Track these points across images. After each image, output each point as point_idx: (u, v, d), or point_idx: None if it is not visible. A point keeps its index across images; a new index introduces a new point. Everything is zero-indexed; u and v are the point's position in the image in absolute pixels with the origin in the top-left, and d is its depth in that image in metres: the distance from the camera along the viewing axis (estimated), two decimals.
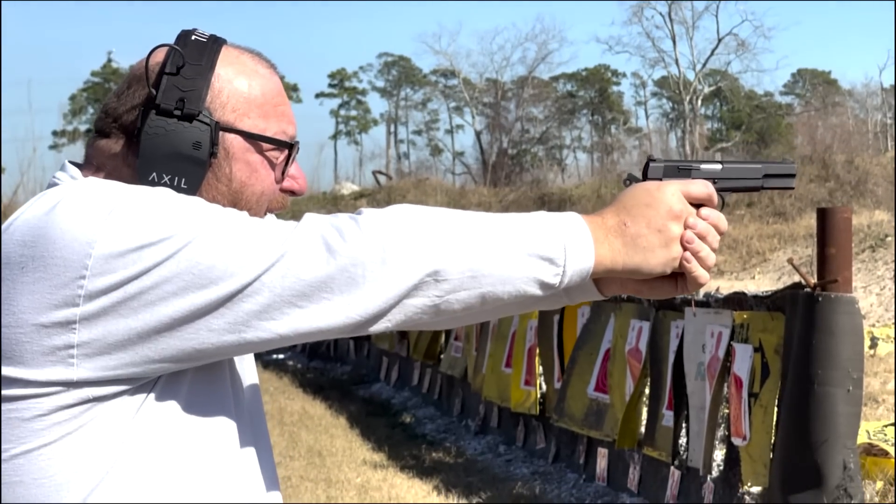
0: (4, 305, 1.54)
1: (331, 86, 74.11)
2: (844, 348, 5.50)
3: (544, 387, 8.96)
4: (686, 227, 1.69)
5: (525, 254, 1.61)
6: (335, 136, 73.16)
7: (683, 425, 6.87)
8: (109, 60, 68.96)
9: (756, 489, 6.11)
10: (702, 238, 1.70)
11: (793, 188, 1.86)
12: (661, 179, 1.77)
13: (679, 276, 1.73)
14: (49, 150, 68.24)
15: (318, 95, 74.04)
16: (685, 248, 1.69)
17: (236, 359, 1.73)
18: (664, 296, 1.77)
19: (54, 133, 69.28)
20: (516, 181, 46.37)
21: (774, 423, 5.85)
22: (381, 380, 13.82)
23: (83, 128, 67.82)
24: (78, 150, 64.51)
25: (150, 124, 1.68)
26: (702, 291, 7.11)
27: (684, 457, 6.84)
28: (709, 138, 56.64)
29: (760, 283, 18.29)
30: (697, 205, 1.72)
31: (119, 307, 1.53)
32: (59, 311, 1.52)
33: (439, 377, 11.77)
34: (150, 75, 1.70)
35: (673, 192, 1.70)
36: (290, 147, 1.77)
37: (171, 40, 1.73)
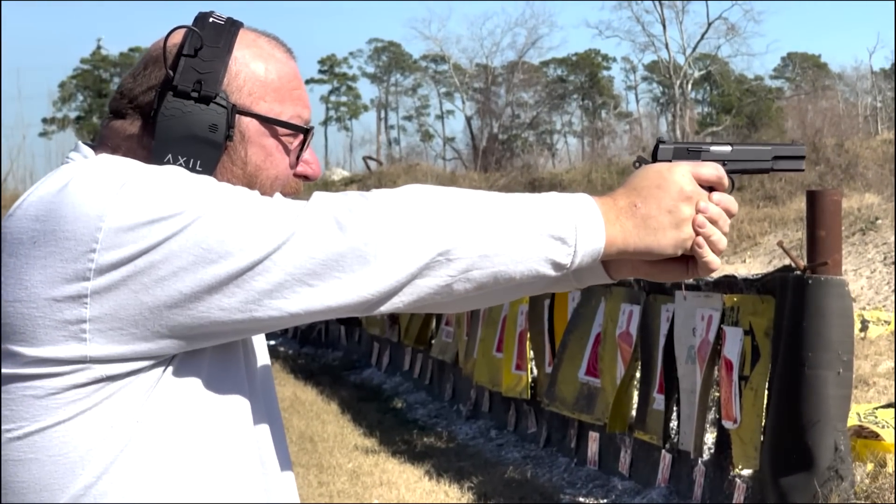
0: (18, 281, 1.55)
1: (321, 72, 74.08)
2: (834, 331, 5.50)
3: (535, 371, 8.96)
4: (698, 211, 1.70)
5: (537, 233, 1.61)
6: (325, 123, 73.13)
7: (674, 409, 6.87)
8: (99, 48, 68.85)
9: (747, 472, 6.12)
10: (713, 222, 1.70)
11: (802, 170, 1.86)
12: (670, 161, 1.77)
13: (689, 259, 1.73)
14: (39, 137, 68.19)
15: (308, 81, 73.80)
16: (697, 233, 1.70)
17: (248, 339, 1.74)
18: (675, 279, 1.78)
19: (44, 120, 69.19)
20: (507, 166, 46.25)
21: (765, 405, 5.86)
22: (372, 365, 13.81)
23: (73, 115, 67.73)
24: (68, 138, 64.32)
25: (167, 106, 1.67)
26: None
27: (675, 440, 6.85)
28: (699, 122, 56.60)
29: (751, 267, 18.29)
30: (708, 187, 1.72)
31: (129, 282, 1.52)
32: (71, 285, 1.52)
33: (430, 362, 11.76)
34: (168, 56, 1.69)
35: (683, 174, 1.70)
36: (305, 132, 1.77)
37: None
